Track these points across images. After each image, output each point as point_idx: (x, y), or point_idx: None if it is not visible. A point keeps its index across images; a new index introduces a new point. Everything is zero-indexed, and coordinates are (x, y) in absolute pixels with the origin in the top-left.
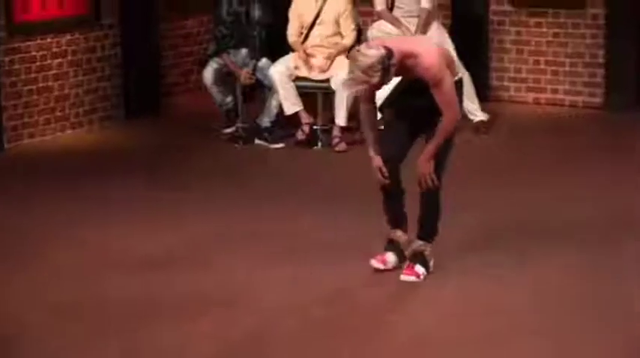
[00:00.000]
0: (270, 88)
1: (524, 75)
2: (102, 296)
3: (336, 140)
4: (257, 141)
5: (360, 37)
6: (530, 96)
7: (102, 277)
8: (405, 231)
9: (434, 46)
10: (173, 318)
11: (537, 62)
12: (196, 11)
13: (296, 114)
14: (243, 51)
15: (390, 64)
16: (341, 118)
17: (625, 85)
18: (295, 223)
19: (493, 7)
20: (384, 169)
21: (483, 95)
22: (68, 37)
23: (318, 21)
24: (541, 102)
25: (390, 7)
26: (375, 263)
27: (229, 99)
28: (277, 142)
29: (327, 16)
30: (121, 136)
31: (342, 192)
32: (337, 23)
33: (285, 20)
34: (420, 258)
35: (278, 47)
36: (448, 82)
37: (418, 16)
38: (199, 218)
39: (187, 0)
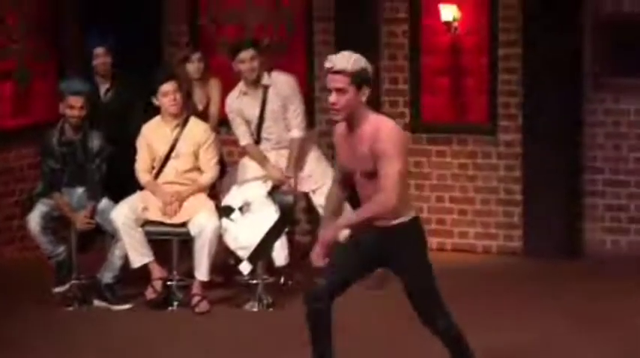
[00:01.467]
0: (113, 235)
1: (425, 215)
2: None
3: (196, 298)
4: (96, 302)
5: (224, 171)
6: (434, 241)
7: None
8: None
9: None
10: None
11: (441, 199)
12: (19, 141)
13: (145, 266)
14: (79, 190)
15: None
16: (202, 271)
17: (547, 227)
18: None
19: None
20: (327, 252)
21: None
22: None
23: (173, 154)
24: (447, 249)
25: (257, 140)
26: None
27: (61, 249)
28: (122, 303)
29: (185, 147)
30: None
31: None
32: (196, 156)
33: (132, 151)
34: None
35: (122, 184)
36: (400, 165)
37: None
38: None
39: (6, 127)
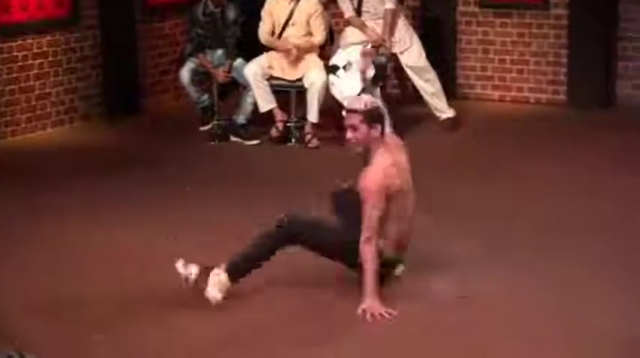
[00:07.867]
0: (245, 86)
1: (490, 73)
2: (80, 294)
3: (308, 136)
4: (233, 138)
5: (333, 38)
6: (496, 94)
7: (80, 274)
8: None
9: (388, 165)
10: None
11: (503, 61)
12: (173, 13)
13: (270, 111)
14: (219, 51)
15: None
16: (313, 115)
17: (587, 83)
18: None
19: (461, 8)
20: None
21: (451, 93)
22: (48, 37)
23: (290, 22)
24: (506, 100)
25: (358, 12)
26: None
27: (205, 97)
28: (252, 139)
29: (299, 17)
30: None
31: (315, 188)
32: (309, 24)
33: (259, 21)
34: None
35: (252, 47)
36: (374, 214)
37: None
38: (175, 213)
39: (163, 2)
